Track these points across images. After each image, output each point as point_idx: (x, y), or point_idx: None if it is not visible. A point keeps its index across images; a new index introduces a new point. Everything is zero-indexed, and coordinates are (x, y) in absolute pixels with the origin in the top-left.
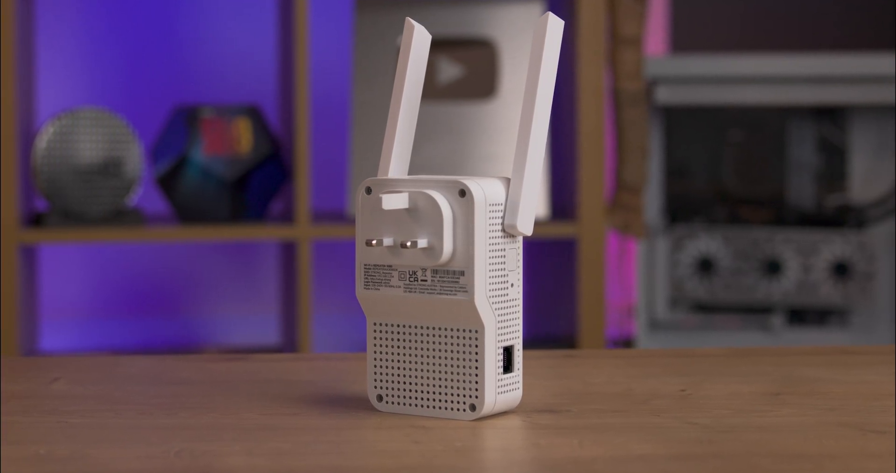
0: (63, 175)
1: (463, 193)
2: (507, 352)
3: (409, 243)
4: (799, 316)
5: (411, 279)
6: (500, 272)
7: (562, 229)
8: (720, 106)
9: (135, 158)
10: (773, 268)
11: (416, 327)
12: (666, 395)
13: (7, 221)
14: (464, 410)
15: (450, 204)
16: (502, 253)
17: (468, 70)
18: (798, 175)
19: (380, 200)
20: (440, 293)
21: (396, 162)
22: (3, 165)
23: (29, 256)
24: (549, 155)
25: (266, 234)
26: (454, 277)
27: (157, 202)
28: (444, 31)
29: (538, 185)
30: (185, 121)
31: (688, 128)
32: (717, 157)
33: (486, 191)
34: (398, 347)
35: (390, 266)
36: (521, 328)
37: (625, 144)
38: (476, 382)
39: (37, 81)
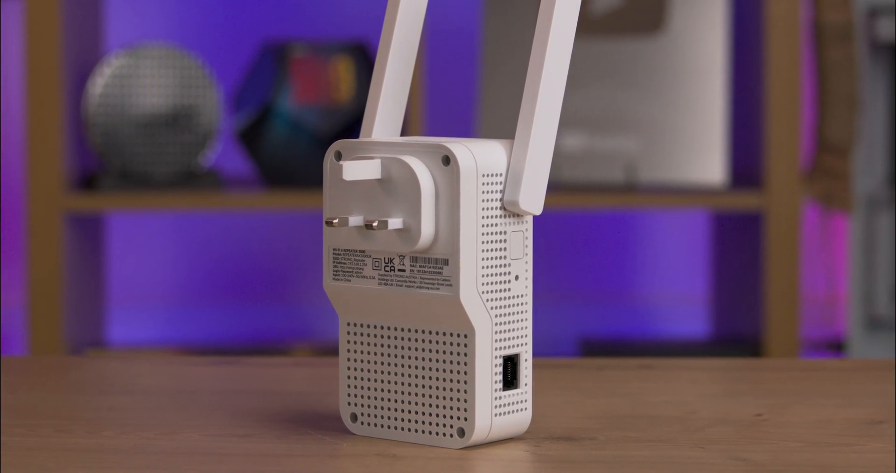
0: (122, 127)
1: (447, 160)
2: (510, 363)
3: (375, 224)
4: None
5: (387, 269)
6: (498, 261)
7: (745, 201)
8: None
9: (211, 107)
10: None
11: (394, 329)
12: (734, 420)
13: (50, 182)
14: (451, 435)
15: (430, 174)
16: (501, 237)
17: None
18: None
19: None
20: (420, 287)
21: (384, 122)
22: (48, 114)
23: (82, 226)
24: (727, 107)
25: None
26: (437, 266)
27: (237, 162)
28: None
29: (549, 151)
30: (273, 61)
31: None
32: None
33: (477, 158)
34: (375, 354)
35: (363, 252)
36: (529, 331)
37: (828, 92)
38: (465, 400)
39: (104, 10)
